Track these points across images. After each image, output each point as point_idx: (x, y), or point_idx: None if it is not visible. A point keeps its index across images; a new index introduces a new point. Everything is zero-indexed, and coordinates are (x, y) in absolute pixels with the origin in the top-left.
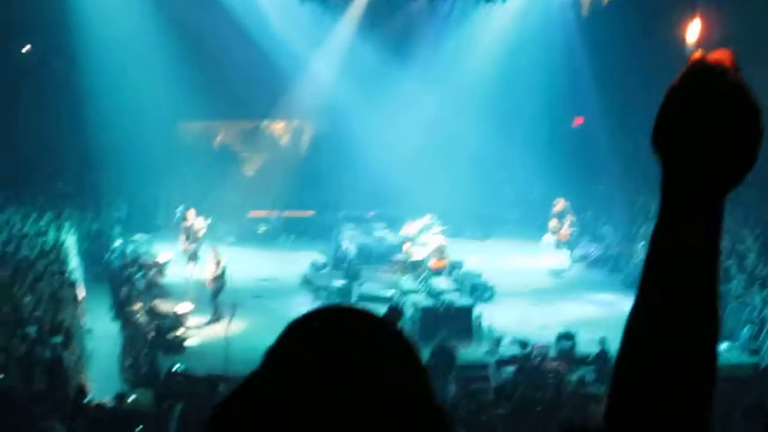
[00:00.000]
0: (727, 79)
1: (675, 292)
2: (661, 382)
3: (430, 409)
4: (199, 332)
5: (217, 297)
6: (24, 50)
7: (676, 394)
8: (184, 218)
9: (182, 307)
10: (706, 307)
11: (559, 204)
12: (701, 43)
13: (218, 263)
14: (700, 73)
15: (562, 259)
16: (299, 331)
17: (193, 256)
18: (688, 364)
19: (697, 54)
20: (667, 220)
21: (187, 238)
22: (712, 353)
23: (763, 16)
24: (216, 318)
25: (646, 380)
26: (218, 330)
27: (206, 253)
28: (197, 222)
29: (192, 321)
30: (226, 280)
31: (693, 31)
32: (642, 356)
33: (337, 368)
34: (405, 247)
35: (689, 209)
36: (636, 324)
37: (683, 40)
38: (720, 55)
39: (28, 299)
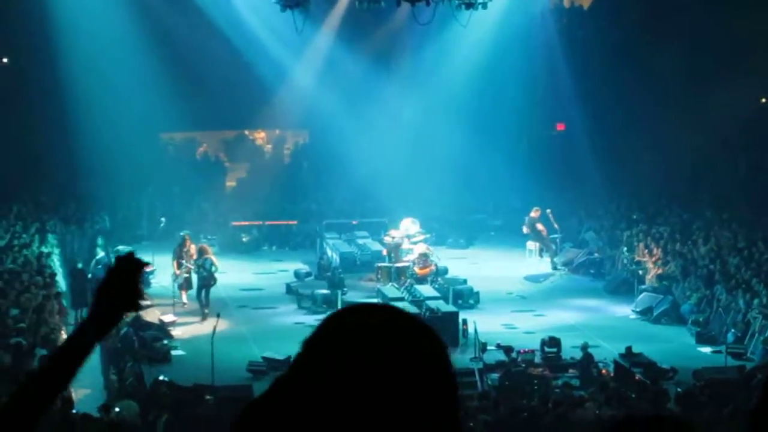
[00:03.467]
0: None
1: None
2: None
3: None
4: (184, 342)
5: (206, 293)
6: (3, 62)
7: None
8: (182, 243)
9: (167, 318)
10: None
11: (533, 212)
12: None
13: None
14: None
15: (545, 265)
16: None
17: (186, 284)
18: None
19: None
20: None
21: (181, 265)
22: None
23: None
24: (204, 316)
25: None
26: (204, 338)
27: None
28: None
29: (178, 330)
30: (213, 273)
31: None
32: None
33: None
34: (389, 255)
35: None
36: None
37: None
38: None
39: (13, 311)
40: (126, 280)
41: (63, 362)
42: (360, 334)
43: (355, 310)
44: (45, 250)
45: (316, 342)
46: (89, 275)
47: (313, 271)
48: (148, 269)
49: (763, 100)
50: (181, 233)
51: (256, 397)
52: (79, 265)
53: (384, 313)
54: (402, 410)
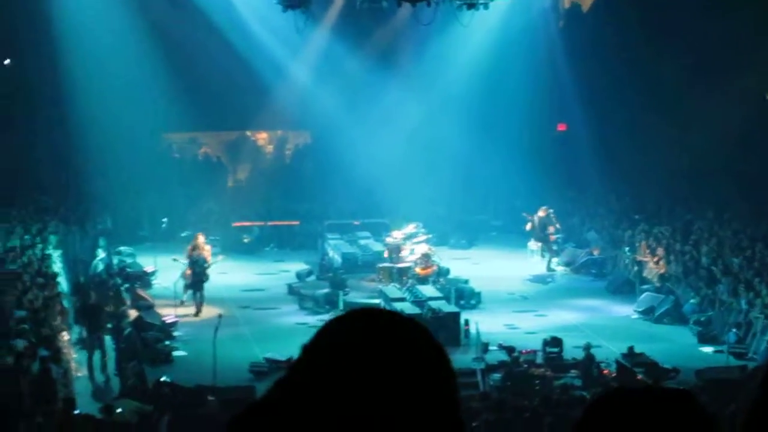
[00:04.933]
0: None
1: None
2: None
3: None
4: (185, 343)
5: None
6: (5, 63)
7: None
8: (193, 242)
9: (169, 318)
10: None
11: (541, 212)
12: None
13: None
14: None
15: (547, 265)
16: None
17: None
18: None
19: None
20: None
21: (192, 266)
22: None
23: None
24: (198, 309)
25: None
26: (206, 339)
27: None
28: (200, 252)
29: (180, 330)
30: (205, 269)
31: None
32: None
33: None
34: (390, 255)
35: None
36: None
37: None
38: None
39: (16, 313)
40: None
41: None
42: (359, 338)
43: (354, 314)
44: (47, 251)
45: (316, 346)
46: (91, 276)
47: (314, 272)
48: (149, 270)
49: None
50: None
51: (254, 400)
52: (80, 266)
53: (382, 317)
54: (402, 413)
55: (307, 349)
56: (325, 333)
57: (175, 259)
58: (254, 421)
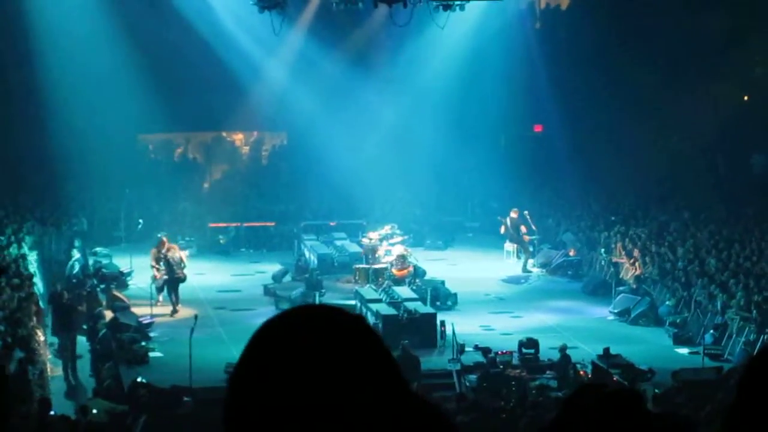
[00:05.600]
0: None
1: None
2: None
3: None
4: (161, 344)
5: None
6: None
7: None
8: (159, 245)
9: (145, 319)
10: None
11: (513, 213)
12: None
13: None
14: None
15: (523, 266)
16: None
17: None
18: None
19: None
20: None
21: (159, 268)
22: None
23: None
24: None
25: None
26: (182, 340)
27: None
28: (173, 252)
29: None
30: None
31: None
32: None
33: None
34: (366, 256)
35: None
36: None
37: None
38: None
39: None
40: None
41: None
42: (295, 329)
43: (292, 310)
44: (22, 251)
45: (256, 342)
46: (66, 277)
47: (290, 273)
48: (125, 270)
49: (746, 98)
50: (159, 235)
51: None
52: (56, 267)
53: (317, 309)
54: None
55: (249, 345)
56: (263, 328)
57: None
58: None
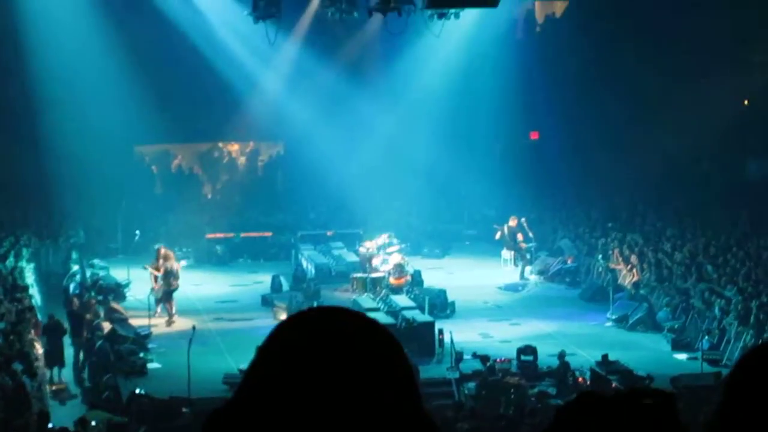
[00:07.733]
0: None
1: None
2: None
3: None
4: (159, 355)
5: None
6: None
7: None
8: (157, 256)
9: (143, 330)
10: None
11: (511, 221)
12: None
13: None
14: None
15: (520, 273)
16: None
17: (166, 296)
18: None
19: None
20: None
21: (157, 279)
22: None
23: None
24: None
25: None
26: (180, 351)
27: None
28: (172, 264)
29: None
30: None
31: None
32: None
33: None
34: (364, 266)
35: None
36: None
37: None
38: None
39: None
40: None
41: None
42: (311, 335)
43: (305, 313)
44: (19, 264)
45: (269, 346)
46: (63, 289)
47: (288, 283)
48: (122, 282)
49: (746, 102)
50: (156, 246)
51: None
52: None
53: (332, 313)
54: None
55: (261, 350)
56: (278, 332)
57: (145, 267)
58: (219, 424)
